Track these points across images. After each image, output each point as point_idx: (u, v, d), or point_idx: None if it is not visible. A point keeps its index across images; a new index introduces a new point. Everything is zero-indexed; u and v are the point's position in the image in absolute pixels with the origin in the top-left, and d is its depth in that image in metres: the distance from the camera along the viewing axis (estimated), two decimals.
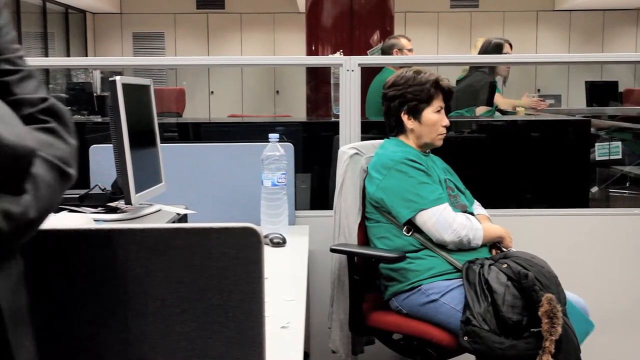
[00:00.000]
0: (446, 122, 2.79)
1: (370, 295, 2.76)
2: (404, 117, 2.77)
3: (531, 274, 2.40)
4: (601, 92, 9.34)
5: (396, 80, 2.82)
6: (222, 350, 1.20)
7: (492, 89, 4.80)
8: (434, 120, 2.76)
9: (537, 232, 3.13)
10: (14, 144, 0.91)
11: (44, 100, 1.03)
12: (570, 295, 2.51)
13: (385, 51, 4.96)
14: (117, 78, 2.17)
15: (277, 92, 12.51)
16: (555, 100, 9.94)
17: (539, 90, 11.92)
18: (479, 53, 4.97)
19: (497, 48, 4.83)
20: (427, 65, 4.22)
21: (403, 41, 4.94)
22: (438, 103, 2.77)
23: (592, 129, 4.29)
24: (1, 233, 0.90)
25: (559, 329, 2.28)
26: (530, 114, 5.18)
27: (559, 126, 4.43)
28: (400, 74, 2.83)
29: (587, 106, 9.07)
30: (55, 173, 1.00)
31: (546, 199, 3.76)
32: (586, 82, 9.62)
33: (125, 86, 2.21)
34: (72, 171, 1.04)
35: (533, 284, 2.37)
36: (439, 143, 2.82)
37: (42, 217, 0.98)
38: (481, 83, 4.75)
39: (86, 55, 12.81)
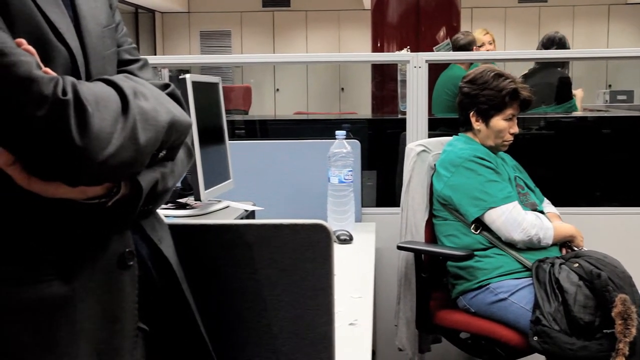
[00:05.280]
0: (515, 129, 2.72)
1: (437, 294, 2.73)
2: (472, 118, 2.74)
3: (604, 273, 2.35)
4: None
5: (475, 78, 2.75)
6: (292, 346, 1.21)
7: (569, 83, 4.68)
8: (502, 127, 2.71)
9: (609, 231, 3.05)
10: (182, 120, 1.08)
11: (168, 85, 1.13)
12: None
13: (466, 48, 4.90)
14: (187, 76, 2.19)
15: (342, 89, 12.49)
16: (627, 96, 9.65)
17: (610, 86, 11.63)
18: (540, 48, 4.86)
19: (561, 45, 4.72)
20: (494, 61, 4.17)
21: (484, 37, 4.89)
22: (510, 111, 2.71)
23: None
24: (155, 195, 1.05)
25: (634, 331, 2.22)
26: (600, 110, 5.05)
27: (631, 123, 4.32)
28: (482, 72, 2.74)
29: None
30: (186, 151, 1.15)
31: (618, 197, 3.67)
32: None
33: (195, 84, 2.24)
34: (192, 150, 1.19)
35: (606, 284, 2.32)
36: (503, 149, 2.77)
37: (173, 187, 1.13)
38: (556, 78, 4.63)
39: (155, 54, 13.04)
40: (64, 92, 0.89)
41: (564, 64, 4.79)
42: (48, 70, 0.92)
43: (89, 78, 1.04)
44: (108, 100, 0.95)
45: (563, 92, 4.57)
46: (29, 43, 0.92)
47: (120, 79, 1.01)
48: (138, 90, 1.01)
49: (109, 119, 0.93)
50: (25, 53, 0.90)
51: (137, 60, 1.20)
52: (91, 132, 0.90)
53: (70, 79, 0.92)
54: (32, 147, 0.89)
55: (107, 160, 0.92)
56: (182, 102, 1.13)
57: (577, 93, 4.89)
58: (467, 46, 4.86)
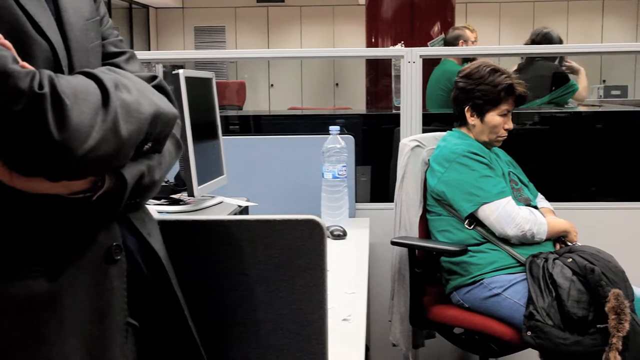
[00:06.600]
0: (509, 125, 2.72)
1: (431, 289, 2.73)
2: (467, 113, 2.74)
3: (597, 268, 2.35)
4: None
5: (471, 73, 2.75)
6: (285, 342, 1.21)
7: (563, 76, 4.66)
8: (497, 122, 2.71)
9: (603, 226, 3.06)
10: (167, 111, 1.07)
11: (154, 77, 1.12)
12: (638, 290, 2.45)
13: (451, 42, 4.88)
14: (180, 71, 2.18)
15: (337, 84, 12.49)
16: (621, 91, 9.67)
17: (604, 81, 11.65)
18: (529, 43, 4.84)
19: (546, 39, 4.68)
20: (488, 56, 4.17)
21: (468, 33, 4.86)
22: (506, 107, 2.71)
23: None
24: (142, 188, 1.05)
25: (627, 326, 2.23)
26: (594, 105, 5.05)
27: (625, 117, 4.33)
28: (478, 67, 2.74)
29: None
30: (174, 142, 1.15)
31: (612, 192, 3.68)
32: None
33: (188, 79, 2.23)
34: (181, 142, 1.18)
35: (599, 279, 2.32)
36: (497, 144, 2.77)
37: (162, 180, 1.11)
38: (550, 72, 4.62)
39: (149, 50, 13.02)
40: (41, 86, 0.88)
41: (554, 58, 4.78)
42: (25, 64, 0.91)
43: (71, 72, 1.03)
44: (87, 93, 0.94)
45: (558, 80, 4.56)
46: (8, 38, 0.91)
47: (102, 71, 1.00)
48: (120, 82, 1.00)
49: (88, 112, 0.92)
50: (1, 47, 0.89)
51: (123, 53, 1.18)
52: (70, 125, 0.89)
53: (47, 73, 0.91)
54: (10, 142, 0.89)
55: (88, 153, 0.91)
56: (169, 94, 1.12)
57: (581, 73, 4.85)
58: (453, 41, 4.85)
